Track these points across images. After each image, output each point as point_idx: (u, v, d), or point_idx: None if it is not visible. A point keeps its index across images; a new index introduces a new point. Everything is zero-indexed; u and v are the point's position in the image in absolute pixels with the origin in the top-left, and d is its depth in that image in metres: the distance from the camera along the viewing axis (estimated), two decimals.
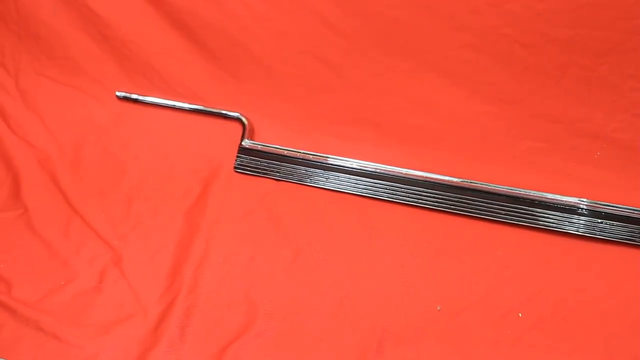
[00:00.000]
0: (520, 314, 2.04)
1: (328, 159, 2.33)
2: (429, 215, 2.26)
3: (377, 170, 2.31)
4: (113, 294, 2.02)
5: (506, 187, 2.24)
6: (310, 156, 2.34)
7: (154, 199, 2.26)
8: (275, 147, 2.36)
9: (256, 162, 2.36)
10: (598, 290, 2.08)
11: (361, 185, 2.32)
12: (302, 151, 2.34)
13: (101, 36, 2.38)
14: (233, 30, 2.30)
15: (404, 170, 2.29)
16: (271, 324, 1.96)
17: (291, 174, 2.35)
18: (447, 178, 2.27)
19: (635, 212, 2.15)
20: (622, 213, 2.16)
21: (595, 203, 2.20)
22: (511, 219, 2.22)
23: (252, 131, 2.39)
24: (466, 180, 2.25)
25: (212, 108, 2.40)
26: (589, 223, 2.20)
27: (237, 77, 2.38)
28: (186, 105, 2.42)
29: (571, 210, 2.21)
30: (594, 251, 2.16)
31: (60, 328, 1.94)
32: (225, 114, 2.41)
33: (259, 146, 2.37)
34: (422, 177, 2.29)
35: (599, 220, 2.17)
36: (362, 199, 2.31)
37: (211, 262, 2.11)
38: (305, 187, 2.33)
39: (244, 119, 2.39)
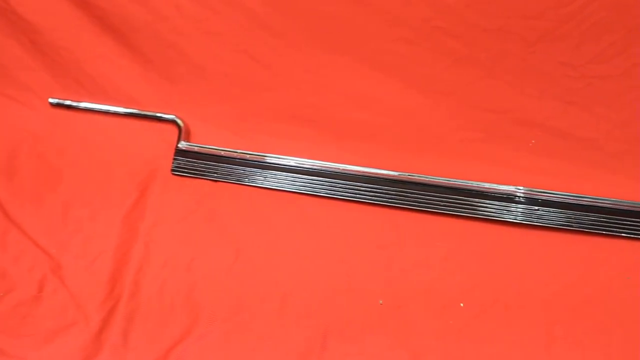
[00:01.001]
0: (462, 304, 2.08)
1: (266, 158, 2.36)
2: (368, 210, 2.31)
3: (315, 167, 2.35)
4: (53, 302, 2.03)
5: (444, 178, 2.29)
6: (248, 156, 2.37)
7: (91, 205, 2.27)
8: (212, 147, 2.39)
9: (193, 163, 2.38)
10: (538, 277, 2.14)
11: (299, 182, 2.35)
12: (239, 151, 2.37)
13: (31, 43, 2.39)
14: (164, 32, 2.32)
15: (341, 166, 2.33)
16: (214, 325, 1.99)
17: (229, 174, 2.38)
18: (385, 172, 2.31)
19: (571, 197, 2.23)
20: (558, 199, 2.24)
21: (531, 191, 2.27)
22: (451, 210, 2.27)
23: (188, 133, 2.42)
24: (404, 173, 2.30)
25: (147, 111, 2.42)
26: (526, 211, 2.26)
27: (171, 79, 2.40)
28: (121, 110, 2.43)
29: (509, 198, 2.27)
30: (532, 238, 2.23)
31: (0, 339, 1.94)
32: (161, 117, 2.42)
33: (196, 148, 2.39)
34: (360, 172, 2.33)
35: (536, 208, 2.23)
36: (301, 196, 2.34)
37: (152, 266, 2.13)
38: (244, 186, 2.36)
39: (179, 121, 2.41)
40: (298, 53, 2.31)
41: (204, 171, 2.37)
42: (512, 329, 2.01)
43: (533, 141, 2.32)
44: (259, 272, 2.13)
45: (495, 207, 2.28)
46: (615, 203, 2.23)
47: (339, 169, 2.34)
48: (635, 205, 2.22)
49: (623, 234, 2.21)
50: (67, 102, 2.45)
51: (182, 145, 2.39)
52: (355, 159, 2.34)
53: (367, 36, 2.25)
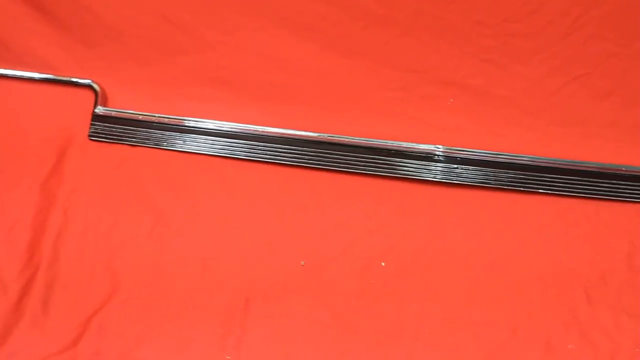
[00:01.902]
0: (383, 263, 2.14)
1: (184, 122, 2.39)
2: (288, 172, 2.34)
3: (234, 130, 2.38)
4: None
5: (363, 138, 2.33)
6: (166, 119, 2.39)
7: (6, 173, 2.26)
8: (130, 112, 2.40)
9: (111, 129, 2.39)
10: (458, 235, 2.21)
11: (219, 145, 2.38)
12: (157, 115, 2.39)
13: None
14: None
15: (260, 128, 2.37)
16: (135, 290, 2.02)
17: (147, 139, 2.39)
18: (304, 133, 2.35)
19: (489, 155, 2.30)
20: (476, 157, 2.30)
21: (450, 149, 2.32)
22: (370, 170, 2.32)
23: (105, 98, 2.43)
24: (323, 134, 2.33)
25: (62, 77, 2.42)
26: (445, 169, 2.32)
27: (87, 43, 2.40)
28: (35, 75, 2.42)
29: (428, 157, 2.32)
30: (452, 196, 2.29)
31: None
32: (76, 82, 2.42)
33: (113, 112, 2.40)
34: (279, 133, 2.36)
35: (455, 166, 2.30)
36: (221, 160, 2.37)
37: (71, 233, 2.14)
38: (163, 151, 2.38)
39: (95, 86, 2.41)
40: (214, 15, 2.33)
41: (122, 136, 2.38)
42: (433, 287, 2.08)
43: (451, 100, 2.37)
44: (179, 236, 2.16)
45: (415, 166, 2.33)
46: (533, 160, 2.30)
47: (257, 131, 2.38)
48: (552, 162, 2.30)
49: (540, 190, 2.28)
50: None
51: (99, 110, 2.40)
52: (274, 120, 2.38)
53: None
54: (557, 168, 2.32)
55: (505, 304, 2.06)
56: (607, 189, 2.30)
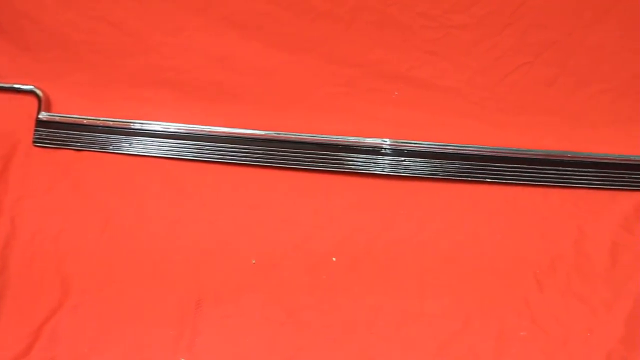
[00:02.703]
0: (334, 259, 2.17)
1: (130, 124, 2.39)
2: (236, 171, 2.36)
3: (180, 131, 2.40)
4: None
5: (310, 134, 2.36)
6: (111, 123, 2.40)
7: None
8: (75, 117, 2.40)
9: (56, 134, 2.39)
10: (408, 227, 2.24)
11: (166, 147, 2.40)
12: (102, 119, 2.39)
13: None
14: (17, 1, 2.33)
15: (207, 128, 2.38)
16: (87, 295, 2.03)
17: (93, 143, 2.40)
18: (251, 131, 2.37)
19: (436, 147, 2.34)
20: (424, 149, 2.34)
21: (397, 142, 2.35)
22: (318, 166, 2.34)
23: (49, 103, 2.43)
24: (270, 132, 2.37)
25: (4, 83, 2.42)
26: (393, 162, 2.35)
27: (29, 49, 2.40)
28: None
29: (375, 151, 2.35)
30: (400, 189, 2.33)
31: None
32: (19, 88, 2.42)
33: (57, 118, 2.40)
34: (226, 133, 2.38)
35: (402, 159, 2.33)
36: (168, 161, 2.38)
37: (19, 241, 2.14)
38: (109, 154, 2.38)
39: (38, 92, 2.41)
40: (157, 17, 2.35)
41: (67, 141, 2.39)
42: (385, 280, 2.11)
43: (396, 93, 2.41)
44: (129, 239, 2.18)
45: (363, 160, 2.36)
46: (479, 149, 2.34)
47: (204, 131, 2.39)
48: (498, 151, 2.34)
49: (488, 180, 2.33)
50: None
51: (43, 116, 2.40)
52: (220, 120, 2.40)
53: None
54: (504, 157, 2.35)
55: (457, 294, 2.08)
56: (553, 176, 2.35)
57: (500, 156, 2.35)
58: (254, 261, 2.16)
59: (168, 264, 2.13)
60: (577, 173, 2.36)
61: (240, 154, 2.39)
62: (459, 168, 2.36)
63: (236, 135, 2.39)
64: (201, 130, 2.39)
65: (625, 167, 2.33)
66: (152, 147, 2.40)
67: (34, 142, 2.38)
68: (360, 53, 2.37)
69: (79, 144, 2.38)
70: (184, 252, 2.16)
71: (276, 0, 2.29)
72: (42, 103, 2.39)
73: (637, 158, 2.31)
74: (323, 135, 2.36)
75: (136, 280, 2.09)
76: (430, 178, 2.33)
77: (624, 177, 2.33)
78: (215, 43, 2.39)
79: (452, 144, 2.35)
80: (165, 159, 2.38)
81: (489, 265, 2.15)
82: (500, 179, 2.33)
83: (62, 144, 2.38)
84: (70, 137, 2.38)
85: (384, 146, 2.36)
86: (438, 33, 2.35)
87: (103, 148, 2.39)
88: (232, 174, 2.36)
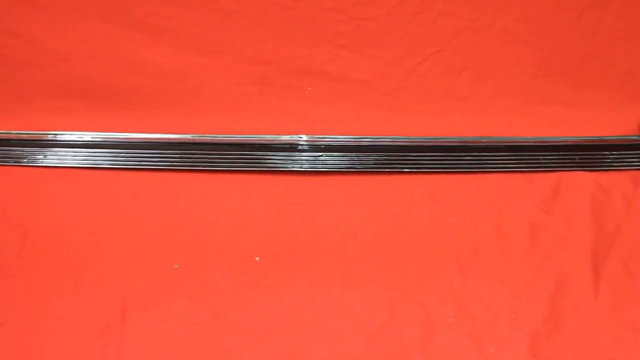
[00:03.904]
0: (257, 258, 2.21)
1: (44, 136, 2.38)
2: (155, 176, 2.38)
3: (95, 139, 2.40)
4: None
5: (226, 135, 2.40)
6: (24, 135, 2.38)
7: None
8: None
9: None
10: (329, 222, 2.28)
11: (81, 157, 2.40)
12: (15, 132, 2.38)
13: None
14: None
15: (122, 135, 2.39)
16: (10, 312, 2.03)
17: (7, 157, 2.39)
18: (166, 136, 2.39)
19: (351, 140, 2.40)
20: (340, 143, 2.39)
21: (313, 138, 2.39)
22: (236, 166, 2.38)
23: None
24: (186, 135, 2.40)
25: None
26: (310, 158, 2.39)
27: None
28: None
29: (292, 148, 2.39)
30: (319, 184, 2.37)
31: None
32: None
33: None
34: (141, 139, 2.40)
35: (319, 154, 2.38)
36: (85, 171, 2.39)
37: None
38: (25, 167, 2.38)
39: None
40: (63, 26, 2.36)
41: None
42: (309, 276, 2.15)
43: (310, 88, 2.45)
44: (48, 253, 2.18)
45: (280, 157, 2.40)
46: (395, 140, 2.40)
47: (119, 138, 2.39)
48: (413, 140, 2.41)
49: (405, 169, 2.39)
50: None
51: None
52: (135, 126, 2.42)
53: (132, 0, 2.34)
54: (420, 146, 2.41)
55: (381, 285, 2.13)
56: (470, 162, 2.42)
57: (416, 145, 2.40)
58: (176, 266, 2.17)
59: (90, 274, 2.14)
60: (493, 157, 2.42)
61: (156, 159, 2.39)
62: (376, 160, 2.40)
63: (151, 140, 2.40)
64: (116, 138, 2.39)
65: (539, 149, 2.42)
66: (67, 157, 2.41)
67: None
68: (272, 50, 2.40)
69: None
70: (105, 261, 2.18)
71: (183, 1, 2.32)
72: None
73: (550, 139, 2.40)
74: (239, 135, 2.39)
75: (59, 293, 2.10)
76: (348, 171, 2.38)
77: (539, 159, 2.42)
78: (124, 49, 2.41)
79: (368, 136, 2.40)
80: (82, 169, 2.39)
81: (412, 254, 2.21)
82: (418, 168, 2.40)
83: None
84: None
85: (301, 142, 2.39)
86: (348, 26, 2.40)
87: (17, 162, 2.39)
88: (150, 179, 2.38)
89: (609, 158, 2.42)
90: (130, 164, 2.39)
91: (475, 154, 2.40)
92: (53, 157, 2.39)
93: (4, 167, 2.36)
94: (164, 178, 2.38)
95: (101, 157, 2.41)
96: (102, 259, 2.17)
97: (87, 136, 2.39)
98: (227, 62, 2.43)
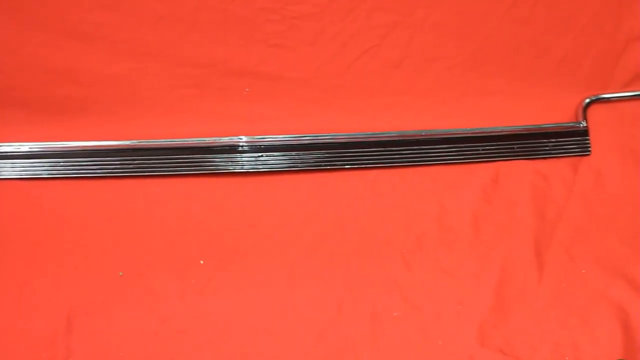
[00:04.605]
0: (201, 261, 2.22)
1: None
2: (95, 184, 2.39)
3: (33, 150, 2.38)
4: None
5: (165, 140, 2.42)
6: None
7: None
8: None
9: None
10: (273, 221, 2.32)
11: (20, 167, 2.39)
12: None
13: None
14: None
15: (60, 144, 2.39)
16: None
17: None
18: (105, 143, 2.39)
19: (291, 139, 2.44)
20: (280, 142, 2.41)
21: (253, 138, 2.41)
22: (177, 170, 2.39)
23: None
24: (124, 141, 2.41)
25: None
26: (251, 159, 2.41)
27: None
28: None
29: (232, 149, 2.40)
30: (261, 185, 2.41)
31: None
32: None
33: None
34: (80, 147, 2.41)
35: (260, 154, 2.40)
36: (24, 182, 2.41)
37: None
38: None
39: None
40: None
41: None
42: (255, 277, 2.18)
43: (247, 89, 2.47)
44: None
45: (221, 159, 2.41)
46: (334, 137, 2.43)
47: (57, 147, 2.39)
48: (353, 137, 2.46)
49: (346, 166, 2.41)
50: None
51: None
52: (73, 134, 2.43)
53: (63, 8, 2.34)
54: (360, 142, 2.44)
55: (327, 282, 2.15)
56: (410, 155, 2.46)
57: (356, 141, 2.43)
58: (121, 273, 2.19)
59: (33, 285, 2.13)
60: (432, 150, 2.45)
61: (96, 167, 2.39)
62: (317, 157, 2.42)
63: (90, 148, 2.40)
64: (54, 147, 2.39)
65: (478, 139, 2.46)
66: (6, 169, 2.41)
67: None
68: (207, 53, 2.42)
69: None
70: (48, 272, 2.17)
71: (115, 7, 2.32)
72: None
73: (489, 130, 2.45)
74: (178, 139, 2.40)
75: (2, 307, 2.10)
76: (290, 170, 2.41)
77: (478, 150, 2.46)
78: (59, 57, 2.41)
79: (308, 135, 2.42)
80: (21, 180, 2.40)
81: (356, 250, 2.24)
82: (359, 164, 2.42)
83: None
84: None
85: (241, 144, 2.41)
86: (282, 25, 2.41)
87: None
88: (91, 187, 2.39)
89: (548, 146, 2.48)
90: (70, 172, 2.38)
91: (415, 147, 2.44)
92: None
93: None
94: (104, 185, 2.38)
95: (40, 167, 2.40)
96: (45, 270, 2.17)
97: (25, 147, 2.38)
98: (162, 66, 2.43)
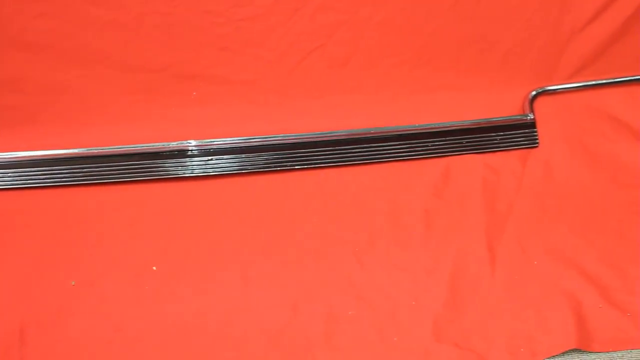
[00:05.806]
0: (154, 268, 2.22)
1: None
2: (44, 194, 2.42)
3: None
4: None
5: (113, 146, 2.41)
6: None
7: None
8: None
9: None
10: (226, 224, 2.33)
11: None
12: None
13: None
14: None
15: (7, 155, 2.40)
16: None
17: None
18: (53, 152, 2.38)
19: (240, 141, 2.46)
20: (229, 145, 2.42)
21: (202, 142, 2.41)
22: (127, 177, 2.39)
23: None
24: (72, 149, 2.43)
25: None
26: (201, 163, 2.41)
27: None
28: None
29: (181, 154, 2.41)
30: (212, 188, 2.43)
31: None
32: None
33: None
34: (28, 157, 2.41)
35: (209, 158, 2.40)
36: None
37: None
38: None
39: None
40: None
41: None
42: (209, 280, 2.18)
43: (194, 93, 2.48)
44: None
45: (170, 164, 2.42)
46: (284, 138, 2.45)
47: (5, 158, 2.38)
48: (302, 137, 2.48)
49: (297, 167, 2.42)
50: None
51: None
52: (21, 144, 2.43)
53: (5, 17, 2.34)
54: (309, 142, 2.45)
55: (282, 284, 2.17)
56: (360, 154, 2.47)
57: (306, 141, 2.44)
58: (73, 282, 2.18)
59: None
60: (382, 148, 2.48)
61: (45, 176, 2.39)
62: (267, 159, 2.44)
63: (38, 157, 2.39)
64: (1, 158, 2.38)
65: (428, 135, 2.48)
66: None
67: None
68: (154, 57, 2.42)
69: None
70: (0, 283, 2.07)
71: (59, 15, 2.32)
72: None
73: (438, 125, 2.47)
74: (127, 146, 2.39)
75: None
76: (240, 173, 2.42)
77: (428, 146, 2.48)
78: (4, 67, 2.39)
79: (257, 137, 2.44)
80: None
81: (309, 250, 2.25)
82: (309, 164, 2.43)
83: None
84: None
85: (190, 148, 2.41)
86: (227, 28, 2.42)
87: None
88: (40, 197, 2.38)
89: (496, 139, 2.50)
90: (18, 183, 2.38)
91: (365, 145, 2.45)
92: None
93: None
94: (54, 195, 2.37)
95: None
96: None
97: None
98: (109, 72, 2.43)
